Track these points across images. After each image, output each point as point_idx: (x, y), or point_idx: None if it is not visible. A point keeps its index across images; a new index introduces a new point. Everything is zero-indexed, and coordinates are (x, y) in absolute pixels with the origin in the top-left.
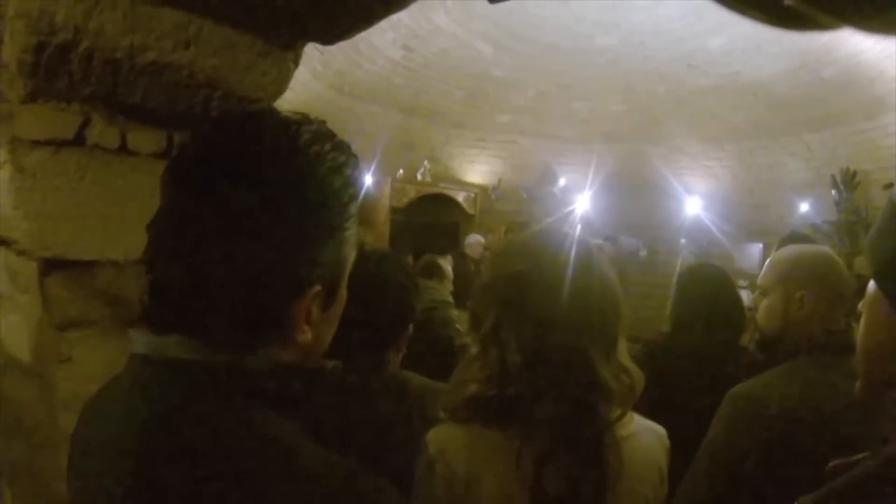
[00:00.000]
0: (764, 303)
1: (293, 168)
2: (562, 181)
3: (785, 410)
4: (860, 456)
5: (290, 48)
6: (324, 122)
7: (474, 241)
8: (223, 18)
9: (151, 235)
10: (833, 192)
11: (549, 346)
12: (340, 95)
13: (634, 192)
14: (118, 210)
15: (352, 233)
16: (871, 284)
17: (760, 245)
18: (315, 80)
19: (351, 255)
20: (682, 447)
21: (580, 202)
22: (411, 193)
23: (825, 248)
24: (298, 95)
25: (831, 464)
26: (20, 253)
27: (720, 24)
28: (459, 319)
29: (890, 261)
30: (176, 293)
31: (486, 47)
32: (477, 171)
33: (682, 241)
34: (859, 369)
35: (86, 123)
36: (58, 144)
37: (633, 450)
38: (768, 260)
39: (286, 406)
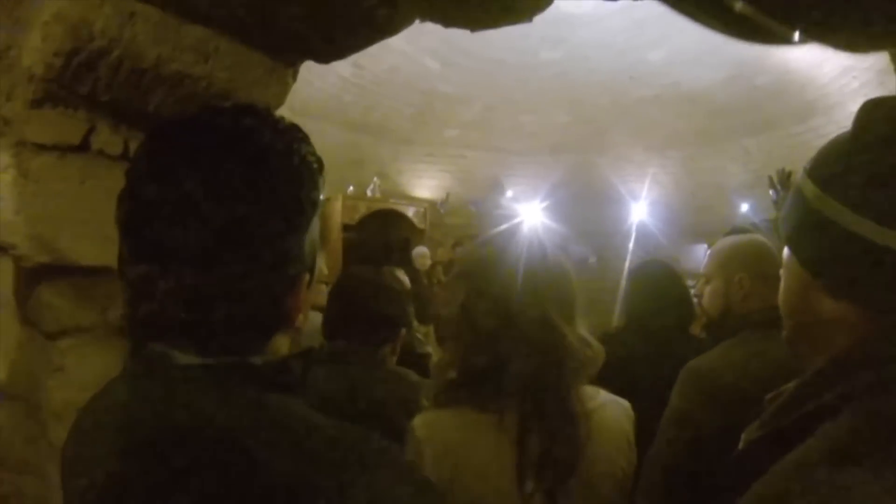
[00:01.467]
0: (707, 288)
1: (265, 158)
2: (509, 193)
3: (736, 378)
4: (789, 385)
5: (292, 65)
6: None
7: (419, 254)
8: (238, 36)
9: (132, 228)
10: (771, 191)
11: (514, 313)
12: (291, 113)
13: (582, 201)
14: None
15: (316, 217)
16: (786, 251)
17: (705, 245)
18: None
19: (317, 226)
20: (641, 428)
21: (528, 213)
22: (362, 209)
23: (758, 237)
24: None
25: (767, 396)
26: (18, 259)
27: (661, 37)
28: (418, 331)
29: (796, 227)
30: (175, 316)
31: (434, 64)
32: (426, 185)
33: (630, 245)
34: (784, 323)
35: (91, 130)
36: (63, 150)
37: (602, 419)
38: (709, 251)
39: (292, 391)
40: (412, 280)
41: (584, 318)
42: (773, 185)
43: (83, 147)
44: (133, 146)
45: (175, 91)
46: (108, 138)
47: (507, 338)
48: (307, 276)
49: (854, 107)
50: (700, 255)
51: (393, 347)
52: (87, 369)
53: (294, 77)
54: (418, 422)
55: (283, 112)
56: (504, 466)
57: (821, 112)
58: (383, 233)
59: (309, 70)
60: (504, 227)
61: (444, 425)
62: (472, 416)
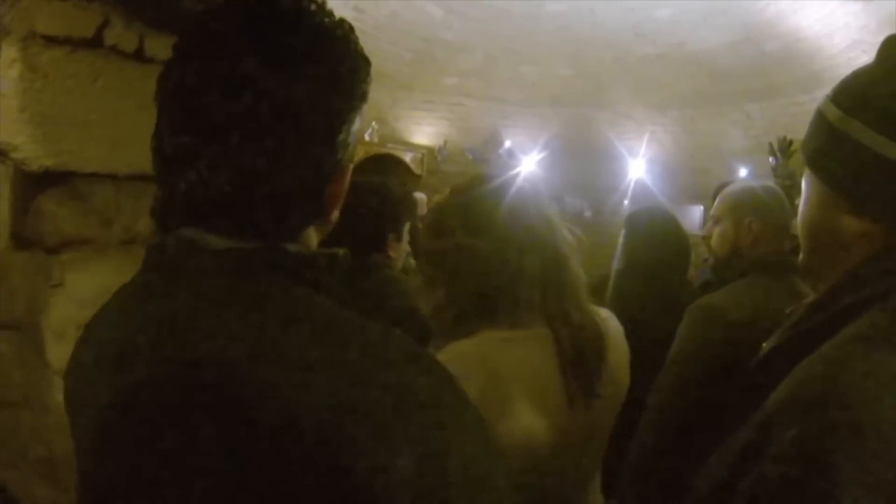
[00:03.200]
0: (717, 230)
1: (315, 41)
2: (507, 143)
3: (742, 316)
4: (805, 300)
5: None
6: None
7: (417, 199)
8: None
9: (165, 139)
10: (770, 158)
11: (515, 233)
12: None
13: (580, 155)
14: (126, 119)
15: (362, 110)
16: (806, 173)
17: (701, 207)
18: None
19: (359, 122)
20: (642, 370)
21: (526, 164)
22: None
23: (771, 184)
24: None
25: (787, 310)
26: (20, 163)
27: None
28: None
29: (819, 148)
30: (209, 196)
31: (436, 10)
32: (424, 132)
33: (626, 202)
34: (802, 247)
35: (105, 24)
36: (74, 44)
37: (611, 329)
38: (720, 194)
39: (320, 288)
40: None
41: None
42: (773, 153)
43: (95, 42)
44: (149, 44)
45: None
46: (122, 33)
47: (515, 249)
48: (348, 168)
49: None
50: (696, 216)
51: (397, 235)
52: (89, 284)
53: None
54: (450, 355)
55: None
56: (550, 371)
57: (827, 83)
58: (381, 177)
59: None
60: (497, 176)
61: (485, 352)
62: (504, 335)
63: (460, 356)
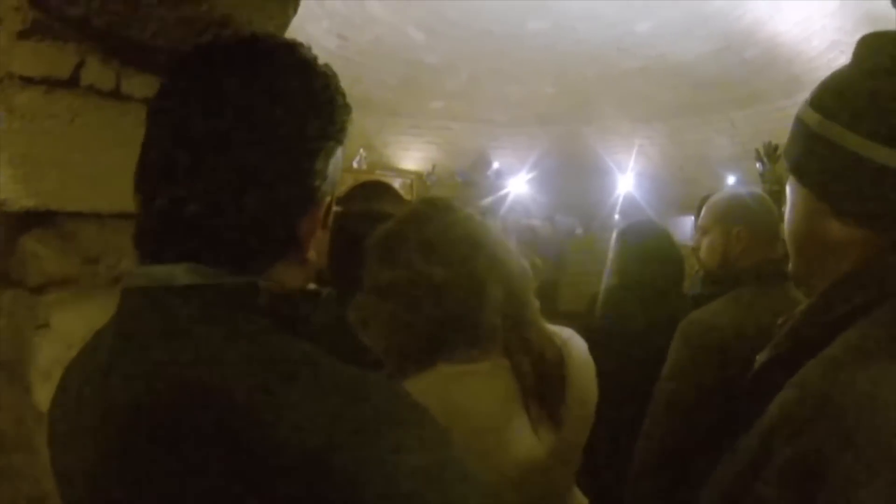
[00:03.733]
0: (705, 241)
1: (295, 70)
2: (495, 165)
3: (735, 330)
4: (798, 309)
5: None
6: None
7: None
8: None
9: (147, 160)
10: (757, 164)
11: (475, 261)
12: None
13: (569, 173)
14: (106, 158)
15: (343, 147)
16: (791, 181)
17: (692, 218)
18: None
19: (340, 163)
20: (640, 390)
21: (514, 185)
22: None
23: (757, 191)
24: None
25: (779, 321)
26: (1, 204)
27: (648, 9)
28: None
29: (801, 155)
30: (181, 217)
31: (418, 34)
32: (412, 157)
33: (616, 217)
34: (791, 256)
35: (81, 64)
36: (51, 84)
37: (573, 348)
38: (706, 204)
39: (296, 329)
40: None
41: (572, 292)
42: (759, 158)
43: (72, 82)
44: (125, 82)
45: (174, 14)
46: (98, 72)
47: (478, 286)
48: (329, 201)
49: None
50: (687, 227)
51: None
52: (74, 324)
53: (295, 9)
54: None
55: None
56: (513, 402)
57: (808, 86)
58: (371, 205)
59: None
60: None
61: (443, 389)
62: (461, 369)
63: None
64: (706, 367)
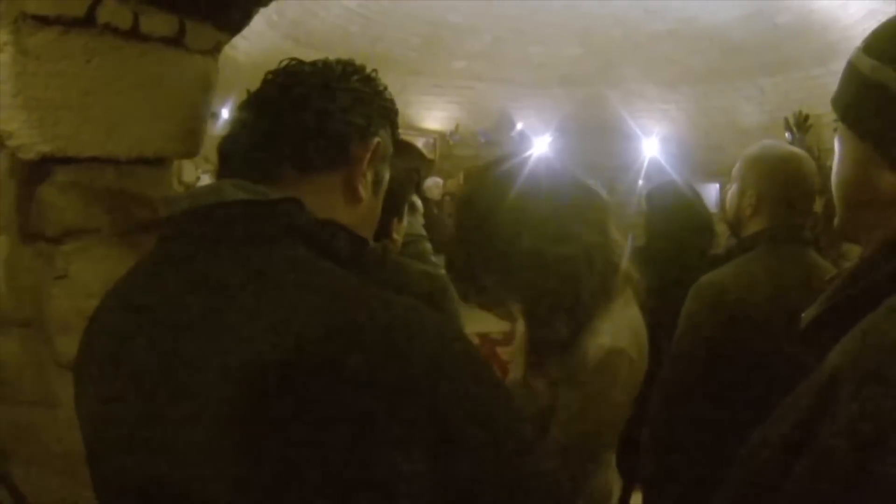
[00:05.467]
0: (731, 190)
1: (350, 78)
2: (519, 125)
3: (742, 294)
4: (848, 265)
5: None
6: None
7: (433, 184)
8: None
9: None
10: (787, 134)
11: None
12: (297, 45)
13: (592, 135)
14: (123, 100)
15: (391, 148)
16: (840, 129)
17: (717, 185)
18: (271, 30)
19: (388, 171)
20: (658, 349)
21: (538, 146)
22: None
23: (795, 151)
24: (254, 46)
25: (827, 277)
26: (16, 150)
27: None
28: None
29: (853, 102)
30: (242, 137)
31: None
32: (434, 117)
33: (640, 182)
34: (838, 209)
35: (97, 2)
36: (66, 24)
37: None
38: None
39: (339, 260)
40: (425, 209)
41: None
42: (789, 128)
43: (88, 21)
44: (144, 21)
45: None
46: (115, 10)
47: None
48: (378, 142)
49: None
50: (712, 194)
51: (389, 236)
52: (93, 274)
53: None
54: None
55: (288, 44)
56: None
57: (842, 55)
58: (394, 163)
59: (314, 1)
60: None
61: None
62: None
63: (629, 329)
64: (715, 328)
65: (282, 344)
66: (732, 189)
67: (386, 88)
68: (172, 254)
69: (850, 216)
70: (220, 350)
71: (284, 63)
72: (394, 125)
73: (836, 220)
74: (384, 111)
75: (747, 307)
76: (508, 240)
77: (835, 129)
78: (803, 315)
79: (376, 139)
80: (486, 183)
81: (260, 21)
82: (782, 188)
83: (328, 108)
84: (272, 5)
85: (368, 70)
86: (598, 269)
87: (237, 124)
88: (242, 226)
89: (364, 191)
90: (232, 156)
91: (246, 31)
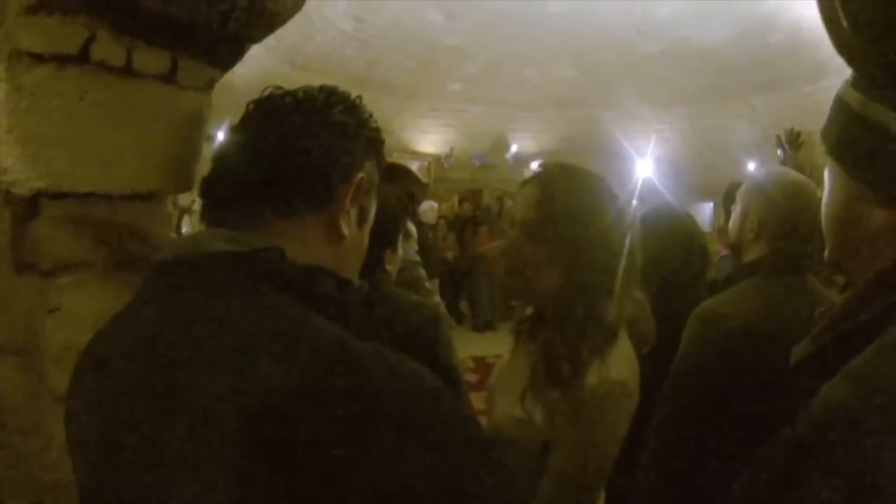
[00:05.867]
0: (733, 212)
1: (332, 110)
2: (514, 148)
3: (745, 323)
4: (838, 300)
5: None
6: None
7: (428, 208)
8: None
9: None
10: (779, 151)
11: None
12: (293, 69)
13: (587, 157)
14: (116, 136)
15: (377, 178)
16: (829, 161)
17: (711, 204)
18: (267, 54)
19: (375, 203)
20: (659, 376)
21: (533, 168)
22: None
23: (799, 180)
24: (251, 70)
25: (817, 312)
26: (11, 185)
27: None
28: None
29: (842, 138)
30: (223, 181)
31: (437, 16)
32: (430, 140)
33: (634, 203)
34: (828, 242)
35: (91, 39)
36: (60, 61)
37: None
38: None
39: (317, 306)
40: (419, 234)
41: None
42: (780, 145)
43: (82, 58)
44: (137, 58)
45: None
46: (109, 48)
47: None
48: (362, 177)
49: None
50: (706, 213)
51: (393, 249)
52: (86, 308)
53: None
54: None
55: (285, 68)
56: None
57: (832, 72)
58: (388, 188)
59: (311, 24)
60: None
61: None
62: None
63: (630, 362)
64: (715, 359)
65: (249, 405)
66: (736, 211)
67: (371, 116)
68: (151, 304)
69: (839, 250)
70: (190, 404)
71: (267, 92)
72: (379, 154)
73: (826, 253)
74: (369, 142)
75: (746, 335)
76: (582, 231)
77: (824, 153)
78: (793, 351)
79: (360, 175)
80: (570, 183)
81: (257, 45)
82: (785, 216)
83: (308, 147)
84: None
85: (353, 97)
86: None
87: (218, 165)
88: (221, 277)
89: (347, 228)
90: (213, 200)
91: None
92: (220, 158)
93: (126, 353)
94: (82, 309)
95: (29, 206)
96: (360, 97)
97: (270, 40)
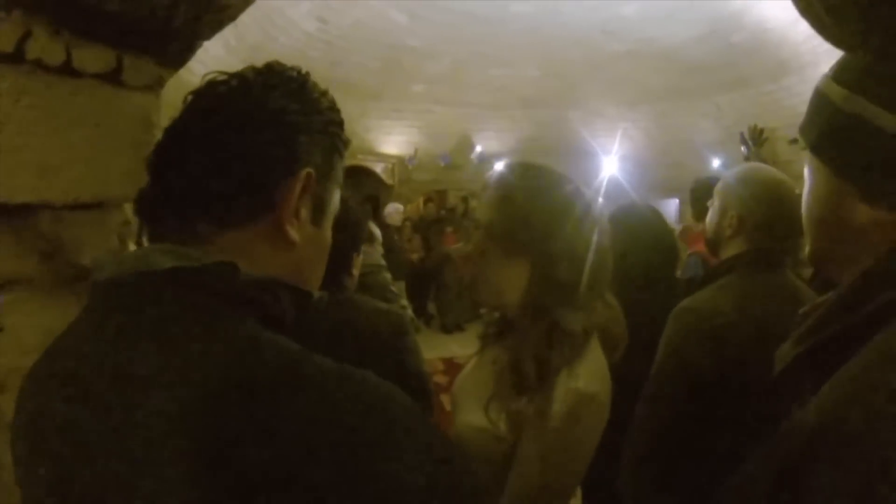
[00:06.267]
0: (710, 209)
1: (269, 96)
2: (479, 148)
3: (727, 321)
4: (821, 300)
5: None
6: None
7: (393, 210)
8: None
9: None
10: (742, 147)
11: None
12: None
13: (553, 156)
14: (57, 141)
15: (339, 165)
16: (809, 161)
17: (676, 201)
18: (229, 55)
19: (336, 191)
20: (630, 382)
21: (497, 168)
22: None
23: (778, 176)
24: (212, 70)
25: (801, 311)
26: None
27: None
28: (393, 284)
29: (825, 133)
30: (156, 195)
31: (401, 17)
32: (394, 142)
33: (600, 200)
34: (808, 239)
35: (26, 36)
36: None
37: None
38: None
39: (275, 322)
40: (384, 236)
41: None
42: (744, 142)
43: (17, 57)
44: (77, 56)
45: None
46: (46, 45)
47: None
48: (310, 172)
49: (827, 67)
50: (671, 210)
51: (350, 273)
52: (30, 328)
53: None
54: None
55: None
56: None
57: (794, 71)
58: (353, 190)
59: (273, 26)
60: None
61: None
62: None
63: (601, 371)
64: (699, 356)
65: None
66: (713, 207)
67: (323, 95)
68: (95, 325)
69: (820, 247)
70: (137, 418)
71: (208, 79)
72: (335, 136)
73: (806, 250)
74: (319, 125)
75: (727, 333)
76: (546, 232)
77: (791, 142)
78: (778, 354)
79: (306, 170)
80: (531, 183)
81: (218, 46)
82: (764, 212)
83: (241, 148)
84: (231, 29)
85: (300, 74)
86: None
87: (151, 175)
88: (168, 296)
89: (297, 232)
90: (147, 211)
91: (203, 56)
92: (153, 167)
93: (69, 376)
94: (25, 329)
95: None
96: (307, 74)
97: (231, 41)
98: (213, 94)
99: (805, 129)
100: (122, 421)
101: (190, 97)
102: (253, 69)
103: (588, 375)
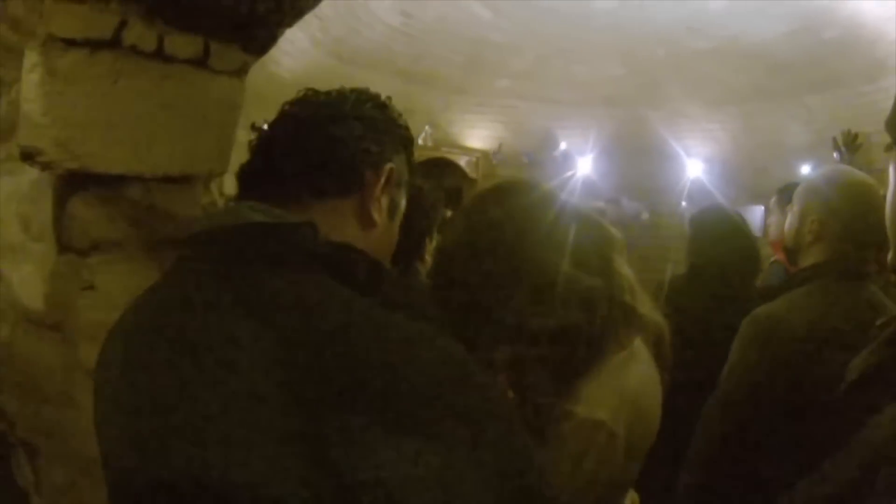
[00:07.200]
0: (790, 213)
1: (365, 105)
2: (563, 145)
3: (803, 331)
4: None
5: None
6: None
7: None
8: None
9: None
10: (835, 154)
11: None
12: (340, 63)
13: (635, 156)
14: (148, 120)
15: (408, 176)
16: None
17: (761, 207)
18: (314, 48)
19: (405, 197)
20: (700, 386)
21: (581, 166)
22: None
23: (864, 179)
24: (298, 63)
25: (878, 322)
26: (46, 165)
27: None
28: None
29: None
30: (259, 167)
31: (484, 12)
32: (477, 136)
33: (683, 203)
34: (893, 245)
35: (123, 24)
36: (93, 45)
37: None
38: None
39: (350, 282)
40: None
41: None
42: (837, 147)
43: (115, 43)
44: (168, 43)
45: None
46: (141, 32)
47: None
48: (391, 167)
49: None
50: (756, 217)
51: (422, 257)
52: (118, 287)
53: None
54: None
55: (331, 62)
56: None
57: (892, 71)
58: (437, 181)
59: (357, 19)
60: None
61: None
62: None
63: (619, 396)
64: (772, 365)
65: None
66: (792, 212)
67: (400, 115)
68: (189, 274)
69: None
70: (233, 370)
71: (301, 93)
72: (409, 151)
73: (889, 256)
74: (398, 138)
75: (804, 343)
76: (540, 268)
77: (886, 149)
78: (850, 366)
79: (389, 165)
80: (517, 206)
81: (304, 39)
82: (847, 219)
83: (340, 135)
84: (316, 23)
85: (383, 98)
86: (599, 317)
87: (255, 153)
88: (259, 248)
89: (378, 216)
90: (249, 181)
91: (290, 49)
92: (257, 148)
93: (155, 324)
94: (114, 288)
95: (67, 186)
96: (389, 98)
97: (317, 34)
98: (318, 97)
99: (891, 123)
100: (216, 362)
101: (287, 105)
102: (344, 88)
103: (595, 399)
